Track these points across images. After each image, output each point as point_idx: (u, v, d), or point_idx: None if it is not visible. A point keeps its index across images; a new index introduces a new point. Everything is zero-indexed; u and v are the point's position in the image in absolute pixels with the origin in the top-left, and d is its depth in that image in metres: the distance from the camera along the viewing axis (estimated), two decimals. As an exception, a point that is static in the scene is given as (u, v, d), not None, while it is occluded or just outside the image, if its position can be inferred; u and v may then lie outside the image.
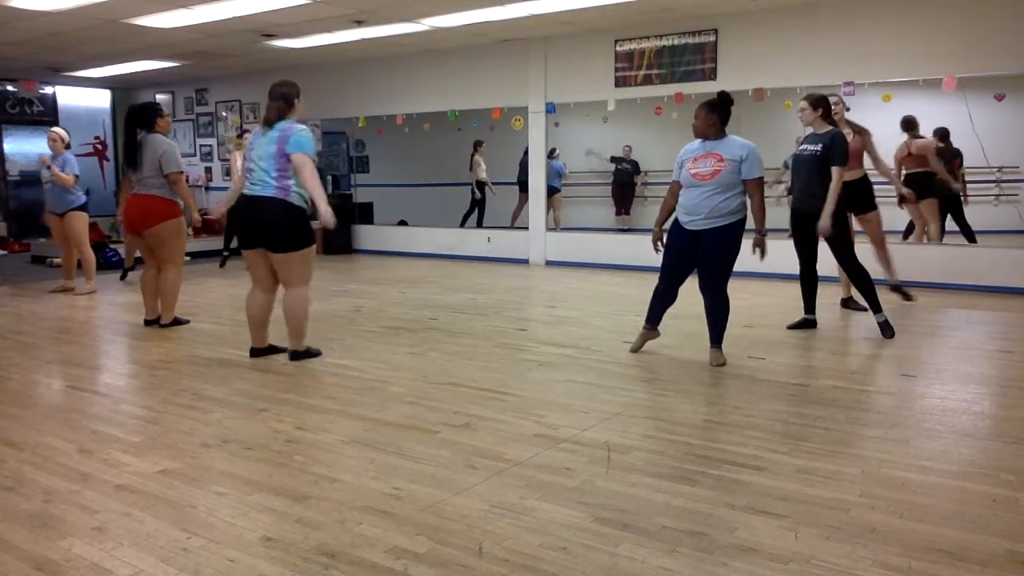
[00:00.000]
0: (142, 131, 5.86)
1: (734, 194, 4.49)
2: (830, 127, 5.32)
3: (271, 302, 4.87)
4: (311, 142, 4.56)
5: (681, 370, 4.60)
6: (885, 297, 5.67)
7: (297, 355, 4.79)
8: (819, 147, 5.23)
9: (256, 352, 4.90)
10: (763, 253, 4.62)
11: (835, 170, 5.19)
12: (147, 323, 6.04)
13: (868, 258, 6.46)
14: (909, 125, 7.87)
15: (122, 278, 8.81)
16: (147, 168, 5.76)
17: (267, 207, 4.50)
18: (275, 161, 4.48)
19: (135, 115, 5.92)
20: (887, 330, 5.35)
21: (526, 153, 11.75)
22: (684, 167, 4.62)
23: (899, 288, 6.29)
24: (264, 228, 4.56)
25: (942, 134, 8.46)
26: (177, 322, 6.03)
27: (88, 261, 7.85)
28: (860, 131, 6.03)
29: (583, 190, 13.85)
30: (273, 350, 4.93)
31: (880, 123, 6.18)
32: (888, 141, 6.24)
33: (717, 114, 4.53)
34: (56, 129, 7.89)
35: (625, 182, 13.07)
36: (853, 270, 5.41)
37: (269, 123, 4.58)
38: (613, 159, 13.08)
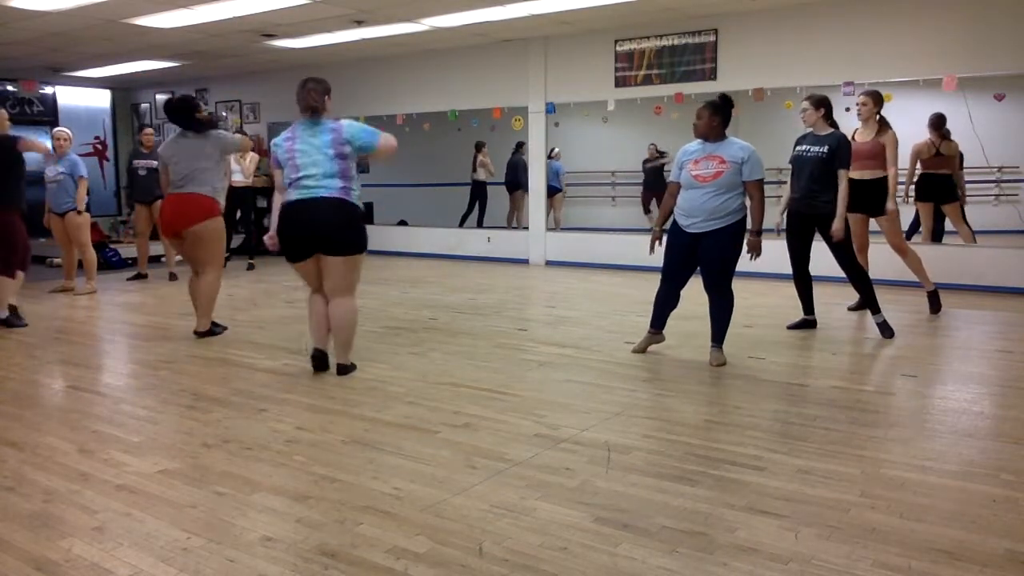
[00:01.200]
0: (178, 127, 5.63)
1: (734, 195, 4.50)
2: (831, 129, 5.32)
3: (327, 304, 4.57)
4: (366, 127, 4.43)
5: (681, 370, 4.60)
6: (887, 298, 5.68)
7: (346, 369, 4.49)
8: (823, 149, 5.23)
9: (319, 354, 4.54)
10: (757, 253, 4.60)
11: (842, 174, 5.19)
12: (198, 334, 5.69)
13: (882, 259, 6.48)
14: (939, 123, 7.65)
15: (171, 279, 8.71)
16: (185, 166, 5.42)
17: (330, 208, 4.23)
18: (335, 164, 4.25)
19: (174, 111, 5.65)
20: (886, 330, 5.35)
21: (514, 153, 11.75)
22: (684, 168, 4.61)
23: (932, 296, 6.22)
24: (326, 229, 4.25)
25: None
26: (213, 331, 5.62)
27: (89, 261, 7.85)
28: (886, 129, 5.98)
29: (584, 190, 13.85)
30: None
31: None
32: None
33: (720, 116, 4.54)
34: (62, 129, 7.89)
35: (656, 181, 12.81)
36: (851, 270, 5.41)
37: (312, 111, 4.31)
38: (646, 162, 12.88)
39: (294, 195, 4.28)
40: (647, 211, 13.03)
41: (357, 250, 4.36)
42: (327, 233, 4.26)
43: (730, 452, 3.20)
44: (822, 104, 5.32)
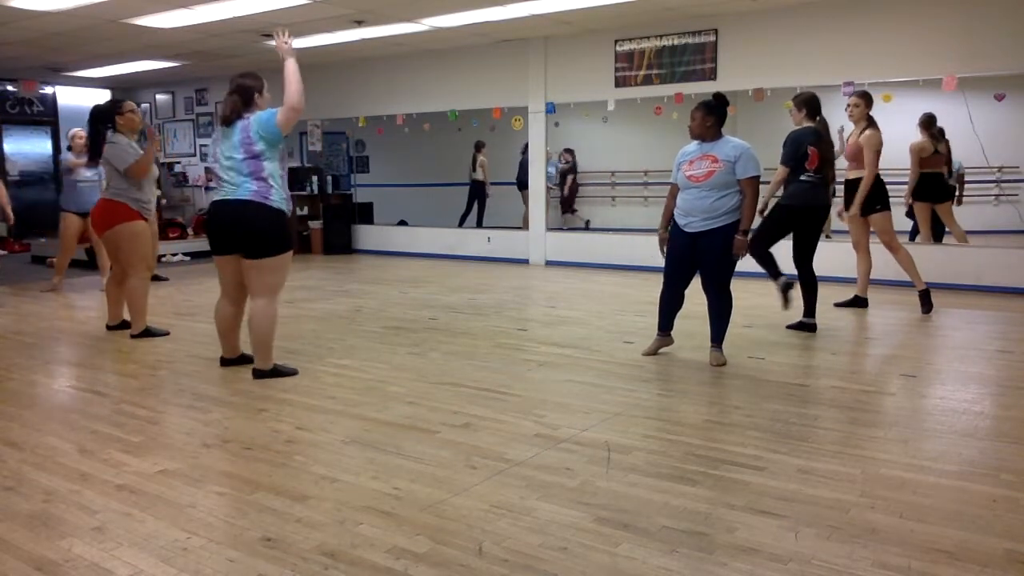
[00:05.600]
0: (109, 131, 5.57)
1: (729, 194, 4.49)
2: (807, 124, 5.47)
3: (239, 314, 4.62)
4: (264, 114, 4.22)
5: (681, 370, 4.60)
6: (886, 298, 5.68)
7: (262, 374, 4.43)
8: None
9: (226, 362, 4.69)
10: (741, 253, 4.54)
11: (779, 169, 5.49)
12: (109, 328, 5.88)
13: (881, 260, 6.48)
14: (930, 123, 7.69)
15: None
16: (107, 171, 5.54)
17: (246, 211, 4.21)
18: (246, 163, 4.21)
19: (98, 116, 5.61)
20: (809, 327, 5.55)
21: (523, 153, 11.75)
22: (680, 169, 4.63)
23: (923, 295, 6.21)
24: (243, 232, 4.26)
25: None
26: (149, 333, 5.63)
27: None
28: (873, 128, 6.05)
29: (583, 190, 13.85)
30: (245, 359, 4.69)
31: (880, 123, 6.17)
32: (889, 142, 6.25)
33: (714, 116, 4.54)
34: (79, 129, 7.91)
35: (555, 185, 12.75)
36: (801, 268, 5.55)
37: (227, 122, 4.28)
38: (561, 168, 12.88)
39: (215, 195, 4.39)
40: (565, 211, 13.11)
41: (274, 253, 4.30)
42: (243, 236, 4.29)
43: (730, 452, 3.20)
44: (804, 104, 5.43)
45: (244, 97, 4.32)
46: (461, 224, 12.45)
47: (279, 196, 4.29)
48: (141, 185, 5.53)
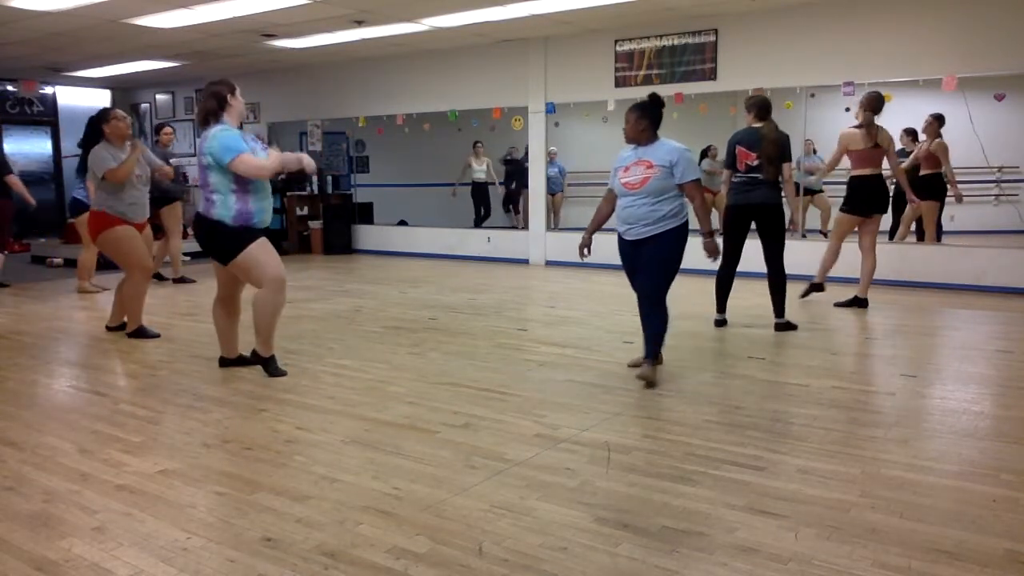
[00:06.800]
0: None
1: (667, 199, 4.23)
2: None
3: (231, 315, 4.67)
4: (226, 142, 4.21)
5: (681, 370, 4.60)
6: (884, 298, 5.68)
7: (258, 358, 4.55)
8: None
9: (225, 362, 4.72)
10: (713, 255, 4.39)
11: (724, 175, 5.75)
12: (108, 328, 5.86)
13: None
14: (941, 123, 7.73)
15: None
16: (92, 180, 5.61)
17: (196, 221, 4.40)
18: (201, 173, 4.34)
19: (90, 127, 5.64)
20: (788, 327, 5.57)
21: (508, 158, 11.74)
22: (616, 176, 4.39)
23: (814, 287, 6.52)
24: (198, 240, 4.46)
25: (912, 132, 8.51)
26: (142, 333, 5.62)
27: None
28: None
29: (584, 190, 13.84)
30: (243, 361, 4.71)
31: (880, 123, 6.17)
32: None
33: (648, 118, 4.26)
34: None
35: (518, 181, 12.23)
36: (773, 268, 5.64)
37: (203, 125, 4.42)
38: (504, 161, 12.48)
39: None
40: (507, 210, 12.87)
41: (228, 258, 4.35)
42: (203, 246, 4.46)
43: (730, 452, 3.20)
44: (753, 107, 5.67)
45: (217, 100, 4.40)
46: (478, 225, 12.31)
47: (222, 209, 4.28)
48: (119, 191, 5.48)
